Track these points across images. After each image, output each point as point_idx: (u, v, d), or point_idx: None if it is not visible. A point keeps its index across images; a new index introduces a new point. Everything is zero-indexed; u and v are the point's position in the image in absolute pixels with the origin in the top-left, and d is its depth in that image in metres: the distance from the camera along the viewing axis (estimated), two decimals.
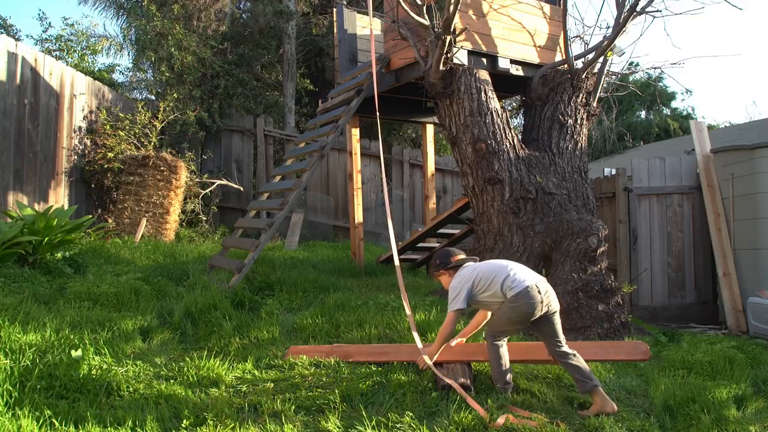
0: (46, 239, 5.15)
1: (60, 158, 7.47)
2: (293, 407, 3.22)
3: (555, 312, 3.55)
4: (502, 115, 5.74)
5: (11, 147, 6.49)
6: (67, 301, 4.38)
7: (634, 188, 6.83)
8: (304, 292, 5.58)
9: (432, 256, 7.50)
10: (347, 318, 4.62)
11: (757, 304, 5.63)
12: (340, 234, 10.83)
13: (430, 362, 3.65)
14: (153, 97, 11.53)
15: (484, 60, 6.02)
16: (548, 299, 3.51)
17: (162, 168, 7.93)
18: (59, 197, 7.40)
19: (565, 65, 6.15)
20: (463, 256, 3.84)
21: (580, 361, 3.50)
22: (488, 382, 3.71)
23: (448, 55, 5.55)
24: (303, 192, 9.87)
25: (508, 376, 3.59)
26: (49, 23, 18.02)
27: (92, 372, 3.23)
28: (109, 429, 2.80)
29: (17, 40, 8.29)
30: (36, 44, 11.94)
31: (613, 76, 7.01)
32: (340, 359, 3.89)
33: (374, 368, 3.76)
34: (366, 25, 7.39)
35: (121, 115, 8.61)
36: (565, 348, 3.55)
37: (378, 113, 5.47)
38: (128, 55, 15.42)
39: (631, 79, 10.53)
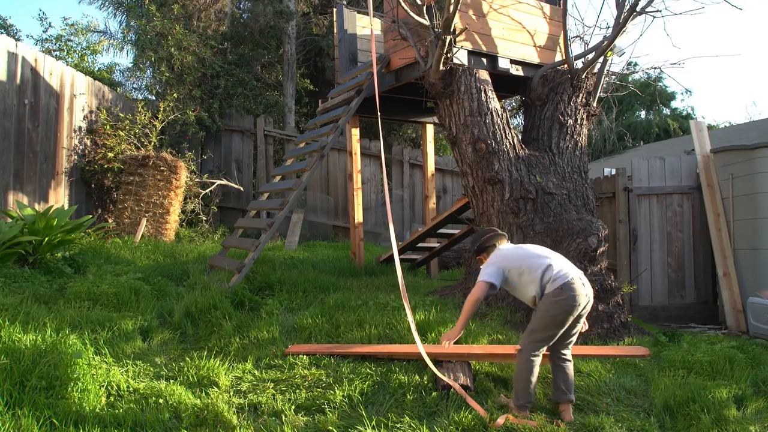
0: (46, 239, 5.15)
1: (60, 158, 7.47)
2: (293, 407, 3.23)
3: (587, 311, 3.45)
4: (502, 115, 5.74)
5: (11, 147, 6.49)
6: (67, 301, 4.38)
7: (634, 188, 6.84)
8: (304, 292, 5.58)
9: (432, 256, 7.51)
10: (347, 318, 4.62)
11: (757, 304, 5.63)
12: (340, 234, 10.83)
13: (427, 360, 3.60)
14: (153, 97, 11.54)
15: (484, 60, 6.02)
16: (589, 295, 3.39)
17: (162, 168, 7.93)
18: (59, 197, 7.40)
19: (565, 65, 6.15)
20: (494, 234, 3.71)
21: (571, 371, 3.48)
22: (488, 383, 3.71)
23: (448, 55, 5.55)
24: (303, 192, 9.87)
25: (533, 393, 3.37)
26: (49, 23, 17.97)
27: (92, 372, 3.23)
28: (109, 429, 2.80)
29: (17, 40, 8.29)
30: (36, 44, 11.95)
31: (613, 76, 7.01)
32: (340, 355, 3.90)
33: (374, 368, 3.76)
34: (366, 25, 7.39)
35: (121, 115, 8.61)
36: (567, 352, 3.50)
37: (378, 114, 5.46)
38: (127, 54, 15.45)
39: (631, 79, 10.54)
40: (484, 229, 3.83)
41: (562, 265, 3.41)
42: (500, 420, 3.10)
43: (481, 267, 3.63)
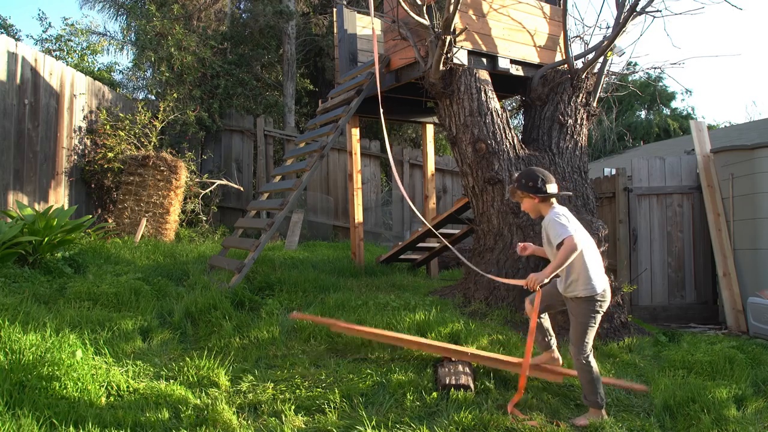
0: (46, 239, 5.14)
1: (60, 158, 7.47)
2: (293, 407, 3.23)
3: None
4: (502, 115, 5.74)
5: (11, 147, 6.49)
6: (67, 301, 4.38)
7: (634, 188, 6.83)
8: (304, 292, 5.58)
9: (432, 256, 7.50)
10: (347, 318, 4.62)
11: (757, 304, 5.63)
12: (340, 234, 10.83)
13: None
14: (153, 97, 11.54)
15: (484, 60, 6.02)
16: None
17: (162, 168, 7.93)
18: (59, 197, 7.40)
19: (565, 65, 6.15)
20: (554, 185, 3.41)
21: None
22: (488, 383, 3.71)
23: (448, 55, 5.55)
24: (303, 192, 9.87)
25: (602, 390, 3.40)
26: (49, 23, 18.13)
27: (92, 372, 3.23)
28: (109, 429, 2.80)
29: (17, 40, 8.28)
30: (36, 44, 11.97)
31: (613, 76, 7.01)
32: (343, 331, 4.04)
33: (374, 368, 3.76)
34: (366, 25, 7.39)
35: (121, 115, 8.61)
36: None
37: (381, 112, 5.42)
38: (127, 54, 15.46)
39: (631, 79, 10.53)
40: (542, 170, 3.45)
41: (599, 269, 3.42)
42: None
43: (523, 206, 3.47)
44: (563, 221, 3.24)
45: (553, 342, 3.71)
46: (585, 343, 3.35)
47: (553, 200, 3.42)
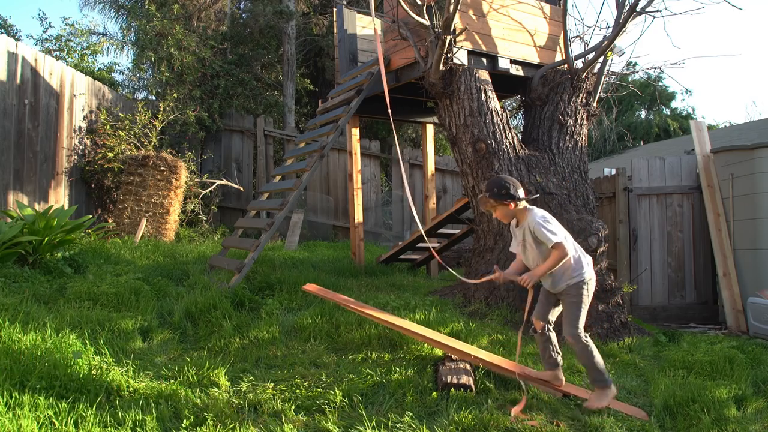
0: (46, 239, 5.14)
1: (60, 158, 7.47)
2: (293, 407, 3.22)
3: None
4: (502, 115, 5.74)
5: (11, 147, 6.49)
6: (67, 301, 4.38)
7: (634, 188, 6.83)
8: (304, 292, 5.57)
9: (427, 259, 7.50)
10: (347, 318, 4.61)
11: (757, 304, 5.63)
12: (340, 234, 10.83)
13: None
14: (153, 97, 11.54)
15: (484, 60, 6.02)
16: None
17: (162, 168, 7.93)
18: (59, 197, 7.41)
19: (565, 65, 6.15)
20: (522, 190, 3.53)
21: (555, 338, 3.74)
22: (488, 383, 3.71)
23: (448, 55, 5.55)
24: (303, 192, 9.87)
25: (605, 370, 3.53)
26: (49, 23, 18.16)
27: (92, 372, 3.23)
28: (109, 429, 2.80)
29: (17, 40, 8.29)
30: (36, 44, 11.97)
31: (613, 76, 7.01)
32: (352, 310, 4.11)
33: (374, 368, 3.76)
34: (366, 25, 7.39)
35: (121, 115, 8.61)
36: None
37: (389, 112, 5.43)
38: (127, 54, 15.46)
39: (631, 79, 10.53)
40: (508, 177, 3.59)
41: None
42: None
43: (499, 215, 3.59)
44: (551, 227, 3.44)
45: (560, 360, 3.72)
46: (580, 322, 3.51)
47: (526, 203, 3.57)
